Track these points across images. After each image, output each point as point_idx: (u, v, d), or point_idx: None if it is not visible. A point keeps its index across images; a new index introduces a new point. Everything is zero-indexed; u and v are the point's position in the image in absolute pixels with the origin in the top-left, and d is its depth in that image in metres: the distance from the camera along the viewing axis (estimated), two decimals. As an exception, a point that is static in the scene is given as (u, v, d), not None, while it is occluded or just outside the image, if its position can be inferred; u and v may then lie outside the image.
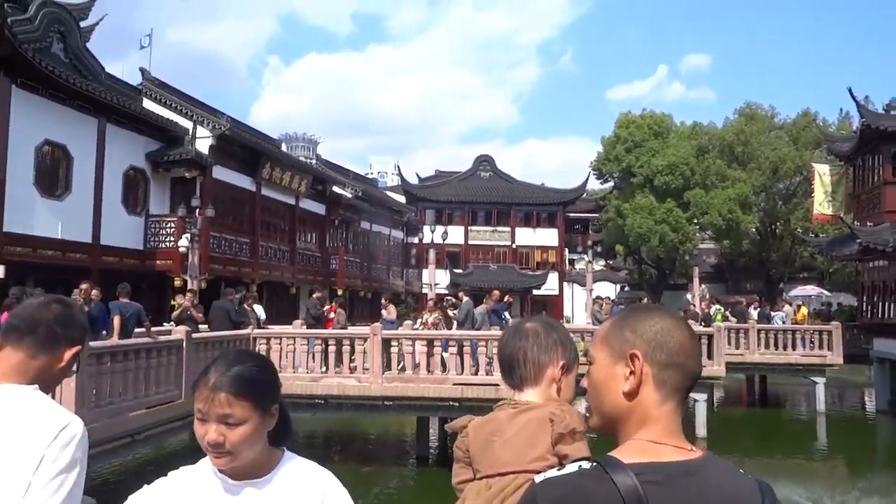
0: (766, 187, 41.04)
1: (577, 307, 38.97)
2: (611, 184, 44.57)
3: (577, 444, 1.47)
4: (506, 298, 15.22)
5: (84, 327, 1.65)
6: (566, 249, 45.27)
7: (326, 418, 14.04)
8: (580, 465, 1.01)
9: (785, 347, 18.88)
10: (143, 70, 23.49)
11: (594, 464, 1.00)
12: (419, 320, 15.34)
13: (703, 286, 34.16)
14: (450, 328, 13.85)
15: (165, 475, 1.43)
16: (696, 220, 40.00)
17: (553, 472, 1.03)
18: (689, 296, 33.77)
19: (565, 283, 43.31)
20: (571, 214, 46.75)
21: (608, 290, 40.84)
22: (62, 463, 1.39)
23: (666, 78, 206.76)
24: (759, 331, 19.03)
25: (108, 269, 18.80)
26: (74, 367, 1.60)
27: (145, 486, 1.38)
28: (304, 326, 13.45)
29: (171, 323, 11.90)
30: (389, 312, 14.27)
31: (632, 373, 1.07)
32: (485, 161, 46.75)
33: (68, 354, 1.56)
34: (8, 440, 1.37)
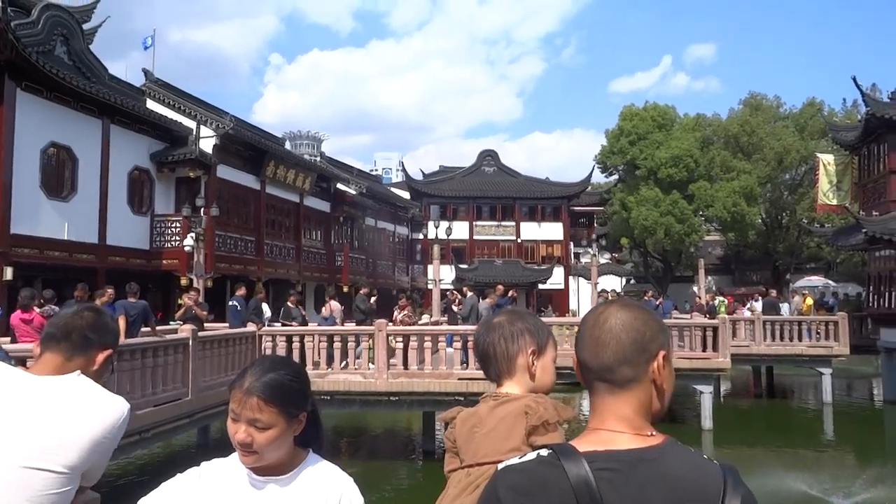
0: (771, 178, 40.79)
1: (584, 301, 38.92)
2: (615, 177, 44.43)
3: (549, 435, 1.51)
4: (510, 293, 15.24)
5: (115, 333, 1.81)
6: (571, 243, 45.21)
7: (334, 414, 14.10)
8: (539, 453, 1.05)
9: (791, 338, 18.84)
10: (146, 71, 23.59)
11: (551, 451, 1.04)
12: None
13: (709, 278, 34.06)
14: (453, 323, 13.90)
15: (172, 473, 1.50)
16: (701, 213, 39.84)
17: (515, 460, 1.07)
18: (695, 288, 33.71)
19: (571, 277, 43.27)
20: (576, 208, 46.64)
21: (614, 283, 40.81)
22: (118, 435, 1.63)
23: (671, 69, 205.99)
24: (764, 322, 19.00)
25: (115, 269, 18.94)
26: (111, 370, 1.77)
27: (178, 475, 1.47)
28: (355, 322, 13.52)
29: (178, 322, 11.98)
30: (331, 309, 14.17)
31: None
32: (489, 156, 46.70)
33: (101, 357, 1.71)
34: (68, 414, 1.56)
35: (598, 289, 24.23)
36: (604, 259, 43.93)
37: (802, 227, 37.49)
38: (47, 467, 1.50)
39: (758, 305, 21.10)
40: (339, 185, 32.85)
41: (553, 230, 43.75)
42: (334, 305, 14.42)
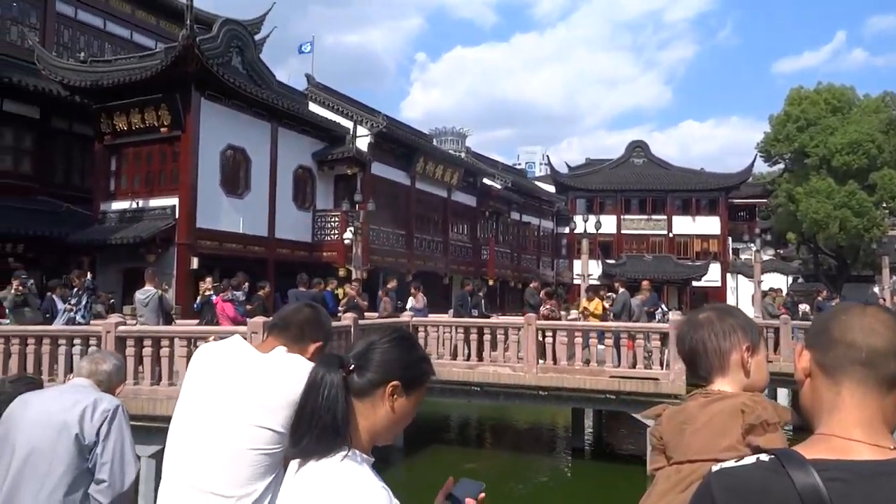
0: (976, 164, 35.59)
1: (743, 300, 36.36)
2: (781, 166, 40.95)
3: (769, 436, 1.43)
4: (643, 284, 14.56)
5: (327, 329, 2.03)
6: (729, 238, 42.35)
7: (478, 405, 14.33)
8: (759, 457, 0.98)
9: None
10: (308, 76, 25.29)
11: (773, 456, 0.97)
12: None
13: (894, 278, 30.39)
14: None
15: None
16: (885, 204, 35.63)
17: (731, 462, 1.01)
18: (876, 288, 30.23)
19: (729, 275, 40.57)
20: (735, 201, 43.60)
21: (779, 281, 37.69)
22: None
23: (844, 45, 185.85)
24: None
25: (281, 261, 20.56)
26: None
27: None
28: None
29: (341, 310, 12.74)
30: (418, 300, 14.08)
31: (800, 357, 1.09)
32: (638, 147, 44.99)
33: (312, 348, 1.94)
34: (280, 381, 1.78)
35: (762, 287, 22.48)
36: (767, 255, 40.65)
37: None
38: (270, 426, 1.74)
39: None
40: (485, 180, 33.23)
41: (709, 224, 41.22)
42: (420, 297, 14.50)
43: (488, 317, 13.33)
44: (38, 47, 19.20)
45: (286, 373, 1.80)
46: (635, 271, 34.88)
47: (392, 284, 13.86)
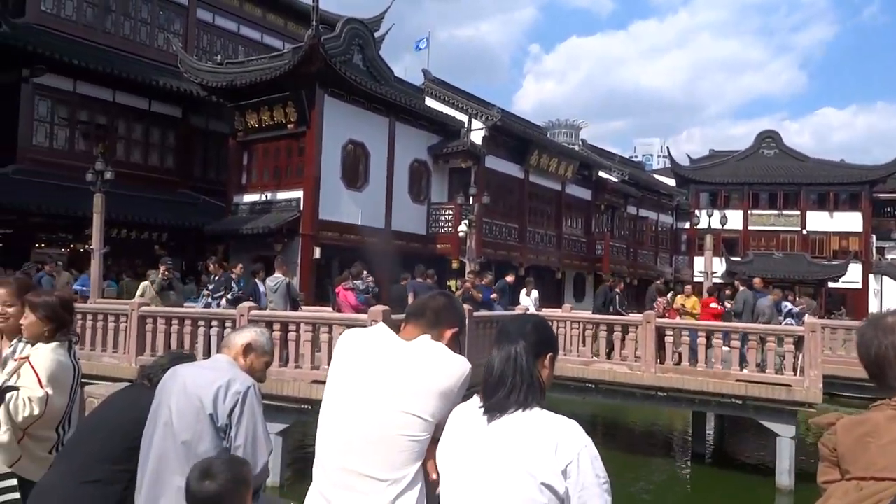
0: None
1: (889, 303, 33.14)
2: (937, 156, 36.87)
3: None
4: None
5: (462, 315, 2.09)
6: (874, 236, 38.70)
7: (592, 403, 14.00)
8: None
9: None
10: (425, 71, 25.70)
11: None
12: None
13: None
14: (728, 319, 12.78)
15: None
16: None
17: None
18: None
19: (872, 276, 37.09)
20: (881, 195, 39.71)
21: (931, 284, 34.04)
22: (462, 389, 1.87)
23: None
24: None
25: (397, 252, 21.07)
26: (458, 347, 2.01)
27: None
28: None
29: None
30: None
31: None
32: (769, 137, 42.10)
33: (448, 334, 1.98)
34: (426, 369, 1.85)
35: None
36: (918, 255, 36.84)
37: None
38: (417, 413, 1.78)
39: None
40: (601, 173, 32.38)
41: (849, 220, 37.86)
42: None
43: (622, 314, 12.99)
44: (180, 52, 20.81)
45: (433, 363, 1.84)
46: (763, 270, 32.66)
47: (510, 278, 13.83)
